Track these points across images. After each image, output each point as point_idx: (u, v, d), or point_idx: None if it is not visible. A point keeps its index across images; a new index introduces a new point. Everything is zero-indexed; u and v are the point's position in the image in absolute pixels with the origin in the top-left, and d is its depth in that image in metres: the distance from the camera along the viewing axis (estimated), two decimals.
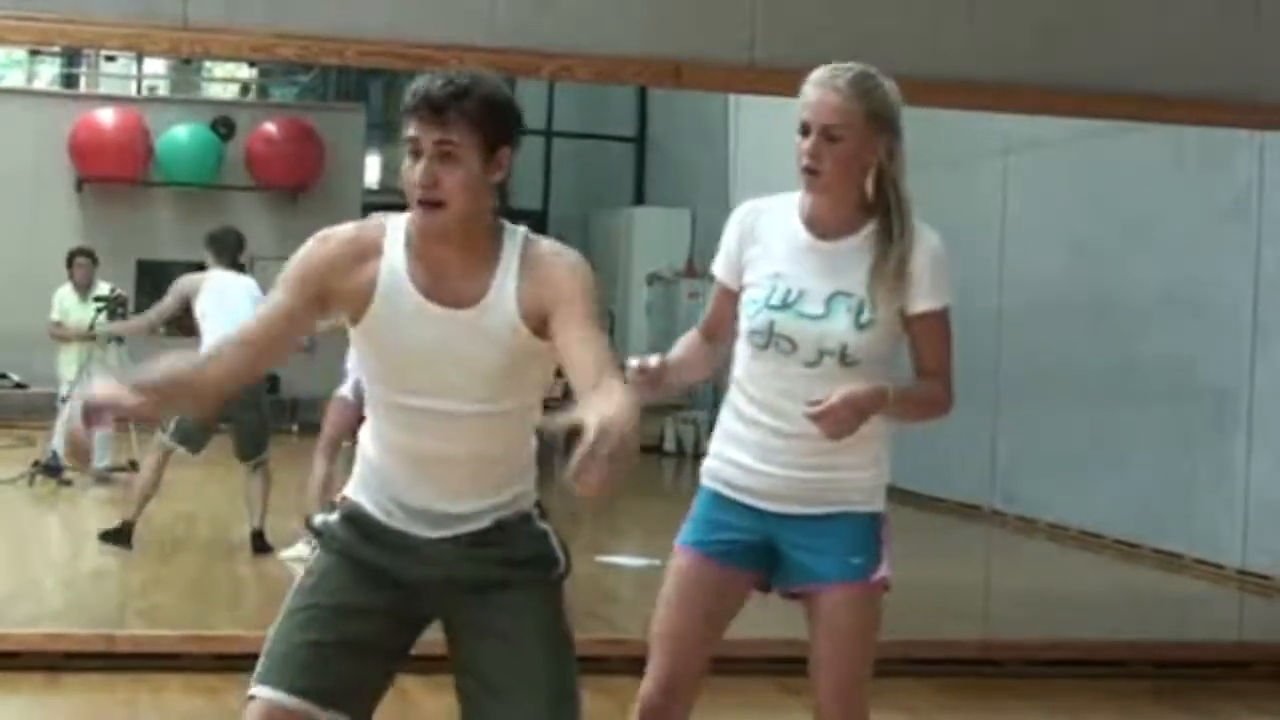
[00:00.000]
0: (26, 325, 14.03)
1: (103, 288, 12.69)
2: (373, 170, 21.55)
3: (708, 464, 4.02)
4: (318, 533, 3.57)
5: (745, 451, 3.92)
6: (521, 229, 3.45)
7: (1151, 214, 10.90)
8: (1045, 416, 11.87)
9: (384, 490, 3.48)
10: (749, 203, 4.03)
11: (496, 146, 3.29)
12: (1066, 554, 11.17)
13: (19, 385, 16.71)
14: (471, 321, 3.32)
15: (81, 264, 12.83)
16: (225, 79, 20.99)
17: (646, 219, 19.09)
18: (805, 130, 3.83)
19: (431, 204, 3.25)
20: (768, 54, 6.45)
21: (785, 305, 3.84)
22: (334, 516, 3.55)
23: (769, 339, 3.84)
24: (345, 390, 8.81)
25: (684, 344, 4.08)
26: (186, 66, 20.06)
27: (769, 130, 15.85)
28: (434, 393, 3.34)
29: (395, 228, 3.39)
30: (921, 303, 3.90)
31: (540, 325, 3.32)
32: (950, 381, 3.99)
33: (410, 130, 3.27)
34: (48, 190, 17.34)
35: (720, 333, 4.04)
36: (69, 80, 20.54)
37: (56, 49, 18.38)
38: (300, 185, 18.16)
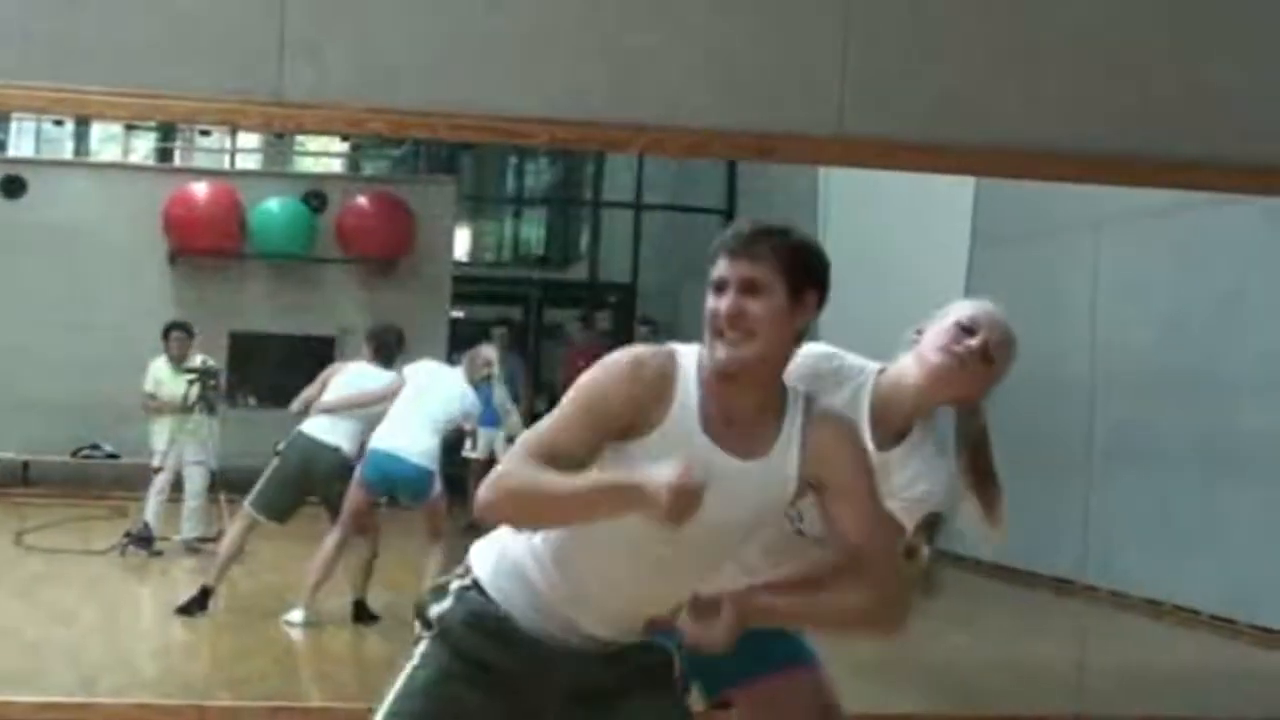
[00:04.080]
0: (120, 397, 14.17)
1: (195, 360, 12.79)
2: (462, 242, 21.65)
3: None
4: (429, 624, 3.44)
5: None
6: (798, 387, 3.39)
7: (1246, 286, 10.80)
8: (1140, 490, 11.75)
9: (536, 599, 3.36)
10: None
11: (803, 289, 3.26)
12: (1161, 629, 11.03)
13: (111, 456, 16.83)
14: (745, 474, 3.24)
15: (178, 338, 12.95)
16: (318, 152, 21.16)
17: None
18: (970, 329, 3.86)
19: (738, 335, 3.21)
20: (856, 125, 6.44)
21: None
22: (454, 608, 3.42)
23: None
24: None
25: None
26: (279, 140, 20.24)
27: (857, 200, 15.86)
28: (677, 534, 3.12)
29: (688, 360, 3.32)
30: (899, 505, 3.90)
31: (808, 488, 3.30)
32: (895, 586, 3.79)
33: (718, 270, 3.27)
34: (142, 263, 17.49)
35: None
36: (163, 154, 20.77)
37: (152, 124, 18.60)
38: (391, 257, 18.23)
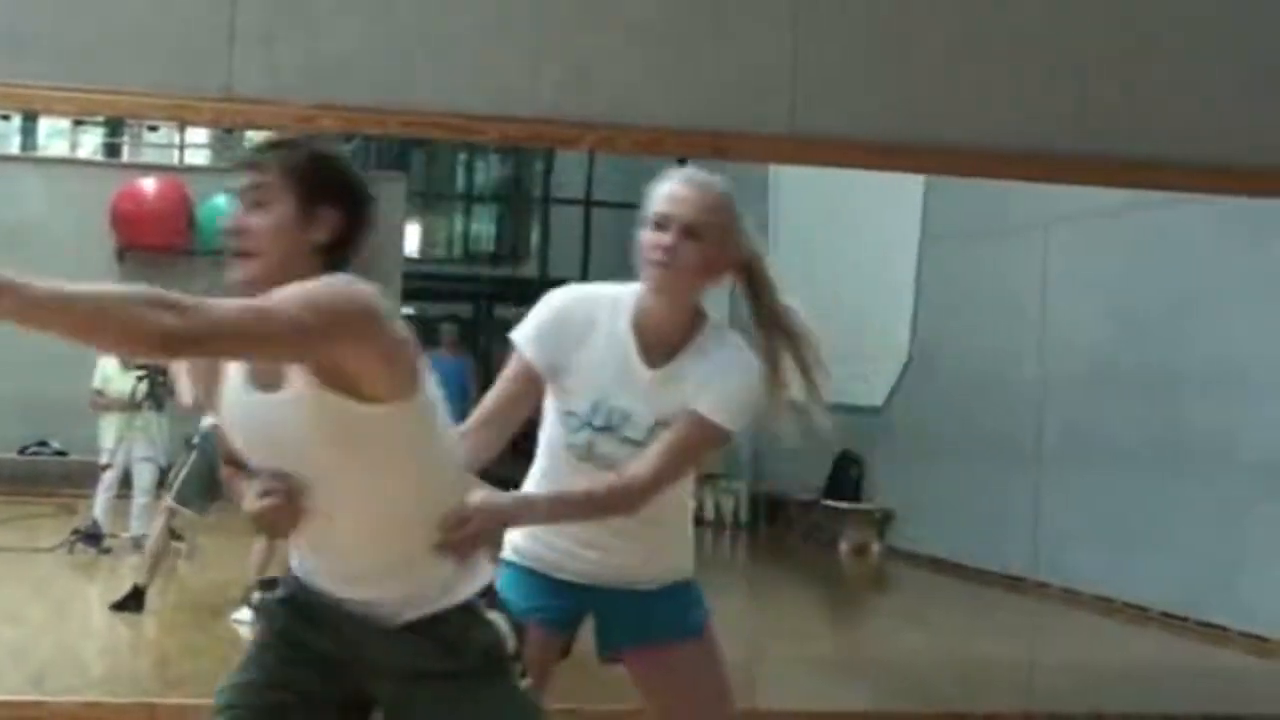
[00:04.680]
0: (67, 394, 14.09)
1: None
2: (413, 239, 21.62)
3: (515, 540, 3.89)
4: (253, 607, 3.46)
5: (560, 536, 3.84)
6: None
7: (1196, 286, 10.87)
8: (1090, 488, 11.82)
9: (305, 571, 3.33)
10: (576, 290, 3.89)
11: (315, 202, 3.15)
12: (1111, 626, 11.09)
13: (59, 453, 16.77)
14: (269, 404, 3.13)
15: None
16: None
17: None
18: (662, 223, 3.70)
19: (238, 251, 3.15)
20: (808, 125, 6.44)
21: (608, 428, 3.74)
22: (272, 591, 3.40)
23: (588, 456, 3.75)
24: None
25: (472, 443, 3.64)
26: (228, 136, 20.18)
27: (807, 197, 15.91)
28: None
29: None
30: (710, 408, 3.69)
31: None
32: (661, 477, 3.64)
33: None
34: (89, 259, 17.40)
35: (515, 415, 3.81)
36: (111, 149, 20.69)
37: (99, 119, 18.52)
38: None
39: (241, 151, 3.21)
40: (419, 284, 19.63)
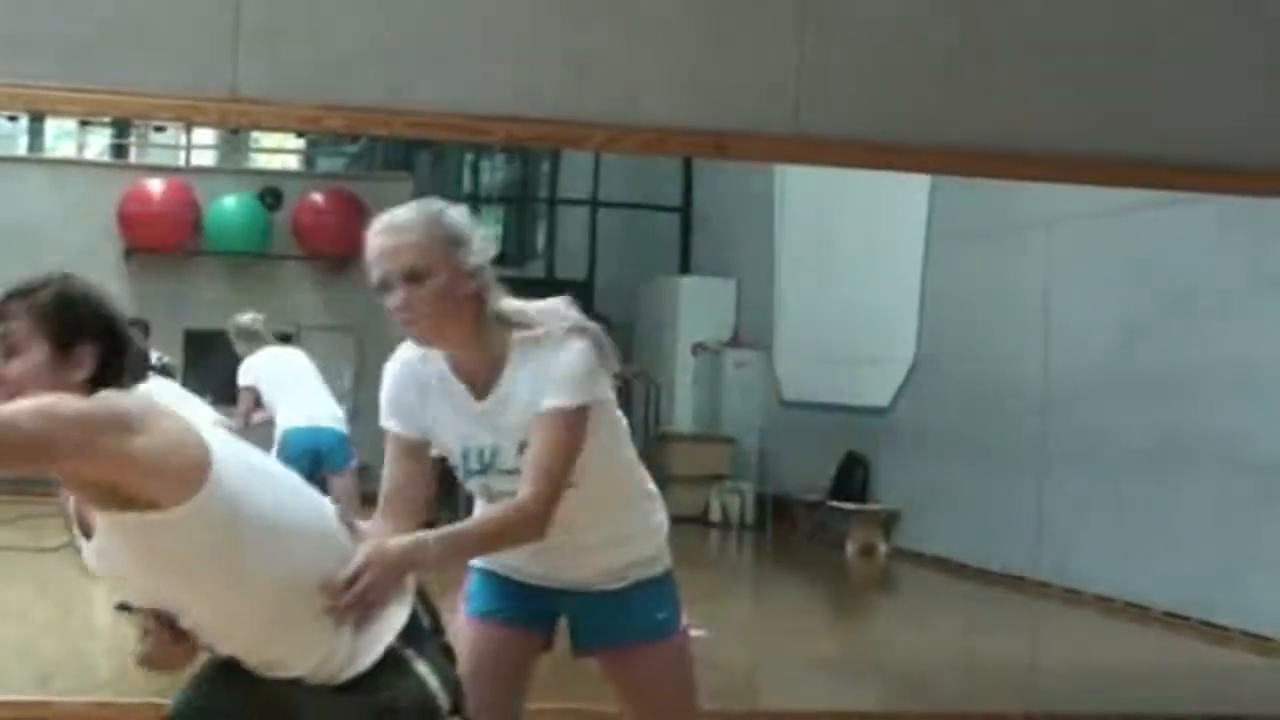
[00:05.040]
0: None
1: (151, 358, 12.74)
2: None
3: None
4: None
5: (516, 555, 3.82)
6: None
7: (1199, 286, 10.87)
8: (1092, 488, 11.83)
9: None
10: (394, 360, 3.79)
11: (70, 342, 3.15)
12: (1113, 626, 11.09)
13: None
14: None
15: (134, 335, 12.92)
16: (273, 149, 21.13)
17: (692, 289, 19.10)
18: (386, 284, 3.57)
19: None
20: (812, 124, 6.45)
21: (485, 468, 3.72)
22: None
23: (491, 496, 3.75)
24: None
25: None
26: (235, 137, 20.21)
27: (814, 197, 15.92)
28: None
29: None
30: (550, 398, 3.59)
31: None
32: (546, 490, 3.57)
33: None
34: (96, 260, 17.39)
35: (415, 493, 3.76)
36: (118, 150, 20.72)
37: (106, 120, 18.55)
38: (347, 254, 18.16)
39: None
40: None
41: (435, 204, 3.70)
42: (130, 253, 17.88)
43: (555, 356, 3.62)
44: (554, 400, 3.59)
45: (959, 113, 6.56)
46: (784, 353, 17.61)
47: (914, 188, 13.76)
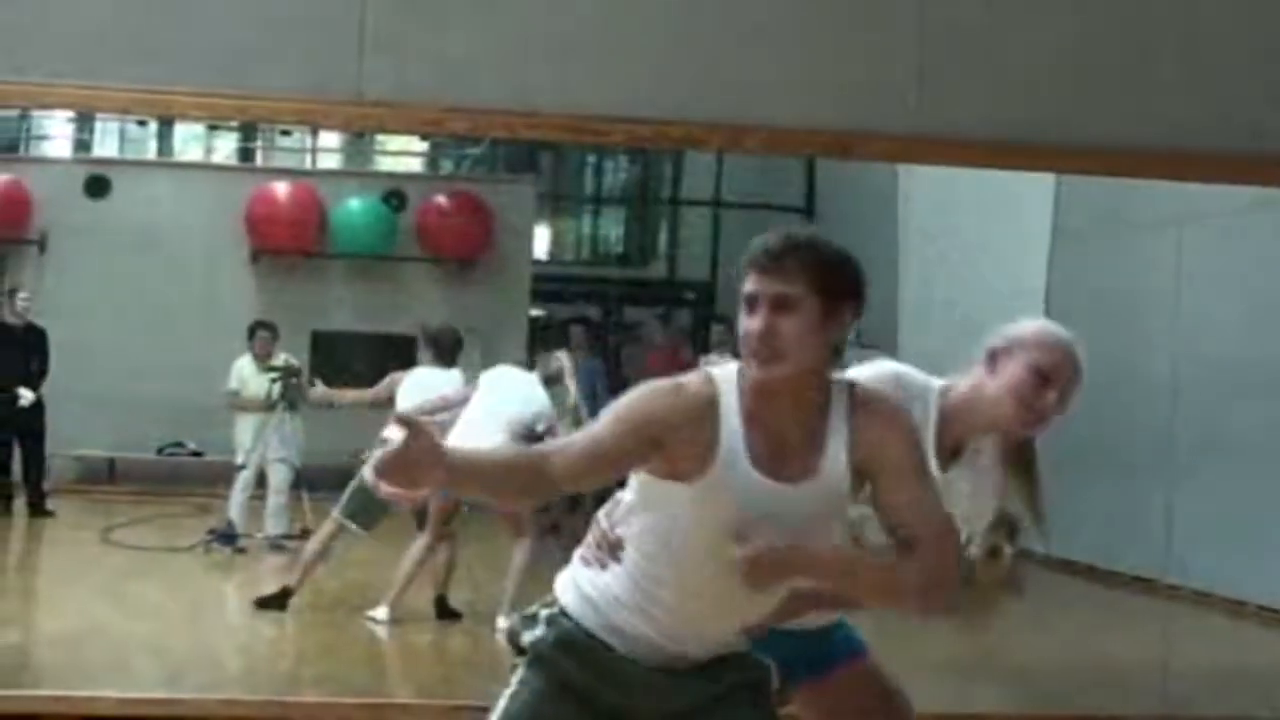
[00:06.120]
0: (202, 395, 14.34)
1: (278, 359, 12.91)
2: (542, 241, 21.71)
3: None
4: (522, 650, 3.48)
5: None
6: (845, 379, 3.41)
7: None
8: (1222, 488, 11.66)
9: (623, 620, 3.39)
10: None
11: (836, 302, 3.26)
12: (1243, 629, 10.95)
13: (195, 454, 17.00)
14: (800, 496, 3.25)
15: (263, 337, 13.10)
16: (397, 152, 21.27)
17: None
18: None
19: (769, 354, 3.21)
20: (933, 123, 6.41)
21: None
22: (546, 634, 3.45)
23: None
24: None
25: None
26: (359, 140, 20.36)
27: (937, 196, 15.81)
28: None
29: (727, 385, 3.30)
30: None
31: (861, 483, 3.30)
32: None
33: (749, 285, 3.26)
34: (224, 262, 17.65)
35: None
36: (245, 154, 20.93)
37: (234, 124, 18.74)
38: (471, 256, 18.33)
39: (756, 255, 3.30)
40: (548, 286, 19.71)
41: None
42: (257, 255, 18.05)
43: None
44: None
45: (1081, 110, 6.50)
46: (906, 352, 17.51)
47: (1038, 185, 13.63)
